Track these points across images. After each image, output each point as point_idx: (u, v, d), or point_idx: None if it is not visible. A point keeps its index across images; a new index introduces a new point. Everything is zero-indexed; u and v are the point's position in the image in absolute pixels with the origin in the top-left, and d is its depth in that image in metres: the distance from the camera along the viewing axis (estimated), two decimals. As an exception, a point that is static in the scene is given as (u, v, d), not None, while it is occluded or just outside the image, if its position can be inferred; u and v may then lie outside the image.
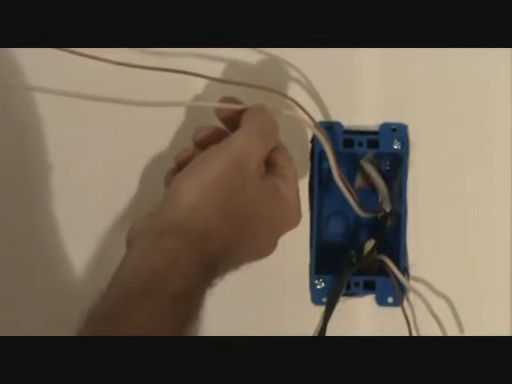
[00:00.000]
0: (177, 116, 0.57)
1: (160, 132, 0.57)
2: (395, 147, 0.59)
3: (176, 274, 0.47)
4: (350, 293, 0.59)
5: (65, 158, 0.57)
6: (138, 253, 0.48)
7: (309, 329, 0.58)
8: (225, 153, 0.50)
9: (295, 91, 0.57)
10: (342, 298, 0.58)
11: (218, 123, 0.54)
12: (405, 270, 0.59)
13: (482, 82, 0.59)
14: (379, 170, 0.59)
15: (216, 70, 0.57)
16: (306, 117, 0.56)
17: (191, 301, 0.47)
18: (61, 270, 0.57)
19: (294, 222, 0.53)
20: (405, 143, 0.59)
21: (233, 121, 0.53)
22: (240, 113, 0.53)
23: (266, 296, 0.59)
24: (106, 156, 0.57)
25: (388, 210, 0.59)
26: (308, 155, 0.58)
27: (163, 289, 0.46)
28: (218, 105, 0.54)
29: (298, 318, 0.59)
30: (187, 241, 0.48)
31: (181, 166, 0.52)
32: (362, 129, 0.59)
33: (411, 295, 0.59)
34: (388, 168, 0.60)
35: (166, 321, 0.46)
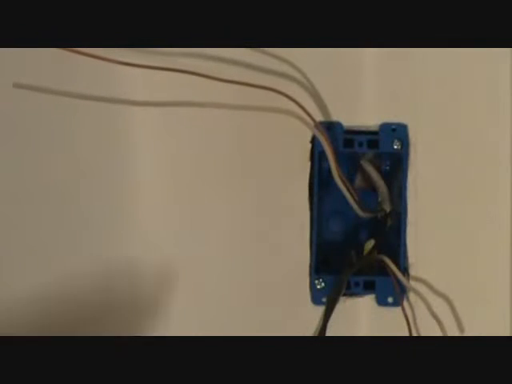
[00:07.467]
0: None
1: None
2: (395, 147, 0.59)
3: None
4: (350, 293, 0.59)
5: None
6: None
7: (309, 329, 0.58)
8: None
9: (295, 91, 0.57)
10: (342, 298, 0.58)
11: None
12: (405, 270, 0.59)
13: (482, 82, 0.59)
14: (379, 170, 0.59)
15: (216, 69, 0.57)
16: (305, 117, 0.56)
17: None
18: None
19: None
20: (405, 143, 0.59)
21: None
22: None
23: (266, 296, 0.59)
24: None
25: (388, 210, 0.59)
26: (308, 155, 0.58)
27: None
28: None
29: (298, 318, 0.59)
30: None
31: None
32: (362, 129, 0.59)
33: (411, 295, 0.59)
34: (388, 168, 0.60)
35: None
